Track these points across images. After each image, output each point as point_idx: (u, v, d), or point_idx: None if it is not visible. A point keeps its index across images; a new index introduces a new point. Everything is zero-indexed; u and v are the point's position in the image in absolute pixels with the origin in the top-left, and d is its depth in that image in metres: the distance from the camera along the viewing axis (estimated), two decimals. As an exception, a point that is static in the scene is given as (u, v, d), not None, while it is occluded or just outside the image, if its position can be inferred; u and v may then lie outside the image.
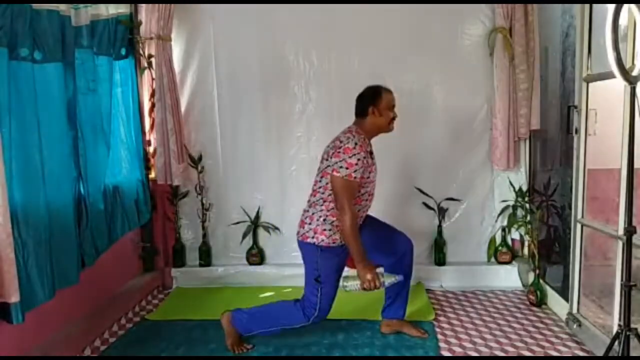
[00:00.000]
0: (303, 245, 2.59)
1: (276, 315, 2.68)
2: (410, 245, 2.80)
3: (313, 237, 2.53)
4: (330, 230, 2.52)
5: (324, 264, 2.54)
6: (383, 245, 2.74)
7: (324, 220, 2.53)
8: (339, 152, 2.44)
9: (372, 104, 2.56)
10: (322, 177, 2.55)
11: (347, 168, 2.41)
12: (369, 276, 2.40)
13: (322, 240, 2.52)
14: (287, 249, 3.70)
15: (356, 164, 2.41)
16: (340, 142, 2.49)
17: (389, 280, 2.48)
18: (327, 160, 2.52)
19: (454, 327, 2.96)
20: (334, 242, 2.53)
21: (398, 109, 3.46)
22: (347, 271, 2.63)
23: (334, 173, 2.43)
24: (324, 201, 2.53)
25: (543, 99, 3.39)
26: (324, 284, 2.54)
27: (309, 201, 2.63)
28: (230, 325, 2.70)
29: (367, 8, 3.51)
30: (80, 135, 2.69)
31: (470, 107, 3.62)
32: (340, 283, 2.54)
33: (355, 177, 2.42)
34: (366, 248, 2.48)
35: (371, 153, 2.58)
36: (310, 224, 2.56)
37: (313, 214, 2.56)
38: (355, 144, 2.44)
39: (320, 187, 2.55)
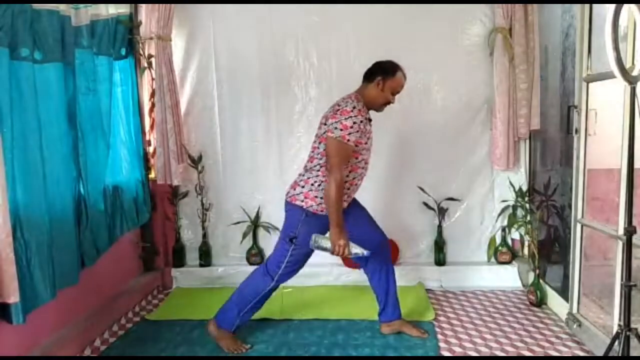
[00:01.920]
0: (289, 205, 2.58)
1: (244, 291, 2.69)
2: (386, 240, 2.79)
3: (302, 201, 2.53)
4: (321, 198, 2.49)
5: (305, 228, 2.52)
6: (362, 232, 2.67)
7: (319, 185, 2.51)
8: (336, 114, 2.44)
9: (383, 76, 2.54)
10: (320, 142, 2.53)
11: (341, 129, 2.39)
12: (341, 242, 2.40)
13: (311, 206, 2.51)
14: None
15: (351, 127, 2.40)
16: (339, 105, 2.49)
17: (356, 250, 2.46)
18: (324, 125, 2.51)
19: (454, 327, 2.96)
20: (322, 211, 2.51)
21: (398, 108, 3.47)
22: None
23: (329, 134, 2.42)
24: (321, 166, 2.52)
25: (543, 99, 3.39)
26: (298, 246, 2.54)
27: (305, 167, 2.62)
28: (217, 329, 2.71)
29: (367, 8, 3.52)
30: (81, 135, 2.68)
31: (470, 107, 3.63)
32: (311, 240, 2.47)
33: (349, 140, 2.40)
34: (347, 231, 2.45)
35: (369, 120, 2.57)
36: (303, 187, 2.55)
37: (308, 178, 2.55)
38: (354, 107, 2.44)
39: (317, 153, 2.54)
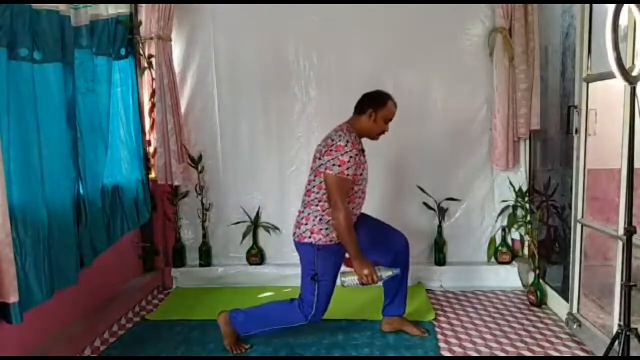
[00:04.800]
0: (300, 245, 2.60)
1: (274, 315, 2.69)
2: (405, 241, 2.81)
3: (310, 237, 2.54)
4: (327, 229, 2.53)
5: (321, 262, 2.55)
6: (379, 242, 2.74)
7: (320, 219, 2.53)
8: (331, 150, 2.46)
9: (374, 108, 2.57)
10: (315, 176, 2.56)
11: (339, 166, 2.42)
12: (366, 271, 2.45)
13: (319, 240, 2.53)
14: (287, 249, 3.69)
15: (348, 162, 2.42)
16: (332, 140, 2.50)
17: (387, 273, 2.52)
18: (319, 159, 2.53)
19: (454, 327, 2.96)
20: (330, 241, 2.54)
21: (398, 108, 3.46)
22: (343, 267, 2.66)
23: (327, 171, 2.44)
24: (319, 201, 2.54)
25: (543, 99, 3.39)
26: (321, 282, 2.55)
27: (303, 201, 2.64)
28: (228, 325, 2.70)
29: (367, 8, 3.51)
30: (80, 135, 2.68)
31: (470, 107, 3.62)
32: (338, 279, 2.56)
33: (347, 175, 2.43)
34: (362, 246, 2.50)
35: (362, 151, 2.59)
36: (306, 224, 2.56)
37: (309, 214, 2.57)
38: (347, 141, 2.46)
39: (314, 187, 2.56)
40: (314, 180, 2.57)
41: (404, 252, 2.79)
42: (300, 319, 2.62)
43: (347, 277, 2.51)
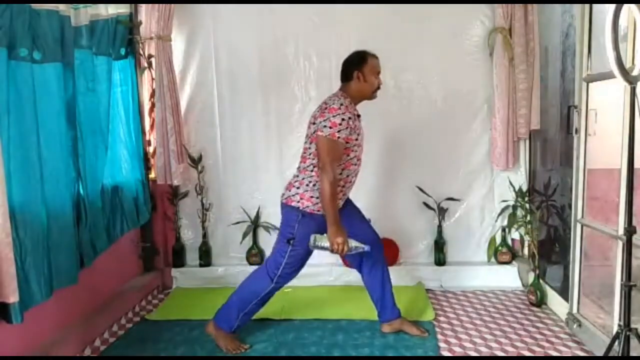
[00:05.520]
0: (285, 207, 2.59)
1: (245, 292, 2.69)
2: (379, 240, 2.77)
3: (298, 202, 2.53)
4: (317, 198, 2.51)
5: (302, 228, 2.53)
6: (355, 232, 2.65)
7: (314, 185, 2.52)
8: (324, 112, 2.46)
9: (357, 68, 2.57)
10: (311, 143, 2.55)
11: (330, 127, 2.41)
12: (339, 239, 2.41)
13: (307, 207, 2.52)
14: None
15: (340, 124, 2.41)
16: (326, 104, 2.51)
17: (357, 246, 2.48)
18: (313, 124, 2.52)
19: (454, 327, 2.96)
20: (318, 211, 2.52)
21: (399, 108, 3.47)
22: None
23: (318, 132, 2.44)
24: (314, 166, 2.53)
25: (543, 99, 3.39)
26: (295, 247, 2.55)
27: (298, 167, 2.63)
28: (216, 329, 2.71)
29: (367, 8, 3.52)
30: (80, 135, 2.68)
31: (470, 107, 3.63)
32: (310, 241, 2.50)
33: (339, 137, 2.42)
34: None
35: (358, 116, 2.59)
36: (298, 188, 2.56)
37: (303, 179, 2.56)
38: (341, 104, 2.46)
39: (310, 154, 2.56)
40: (309, 148, 2.56)
41: (378, 248, 2.75)
42: (267, 283, 2.62)
43: (318, 241, 2.47)
